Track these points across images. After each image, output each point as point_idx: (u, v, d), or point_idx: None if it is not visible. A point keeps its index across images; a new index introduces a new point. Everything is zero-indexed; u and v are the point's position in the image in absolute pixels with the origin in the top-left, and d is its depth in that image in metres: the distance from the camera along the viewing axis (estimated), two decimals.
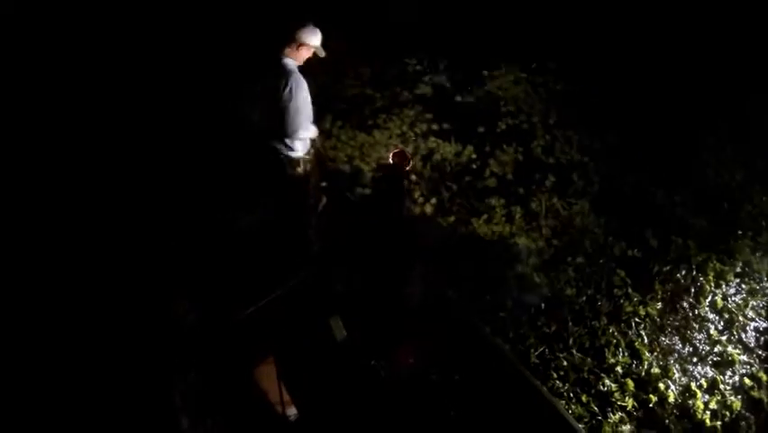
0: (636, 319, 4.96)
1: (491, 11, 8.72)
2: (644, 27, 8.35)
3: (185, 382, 3.97)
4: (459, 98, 7.28)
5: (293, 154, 4.39)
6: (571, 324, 4.91)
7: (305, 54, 4.20)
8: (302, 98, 4.13)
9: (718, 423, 4.43)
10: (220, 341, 4.19)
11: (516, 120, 7.00)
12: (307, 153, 4.52)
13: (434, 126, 6.69)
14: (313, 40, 4.14)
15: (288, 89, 4.05)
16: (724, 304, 5.12)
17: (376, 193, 3.47)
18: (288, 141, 4.29)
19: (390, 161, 4.15)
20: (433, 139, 6.50)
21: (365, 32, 7.97)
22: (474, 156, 6.39)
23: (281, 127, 4.19)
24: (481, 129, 6.77)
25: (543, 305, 5.02)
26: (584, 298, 5.08)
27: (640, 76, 7.64)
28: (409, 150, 6.19)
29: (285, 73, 4.08)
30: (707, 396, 4.58)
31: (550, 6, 8.71)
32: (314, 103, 4.41)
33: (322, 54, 4.29)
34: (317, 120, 4.62)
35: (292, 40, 4.09)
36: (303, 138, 4.34)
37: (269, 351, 4.07)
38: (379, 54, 7.75)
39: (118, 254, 5.01)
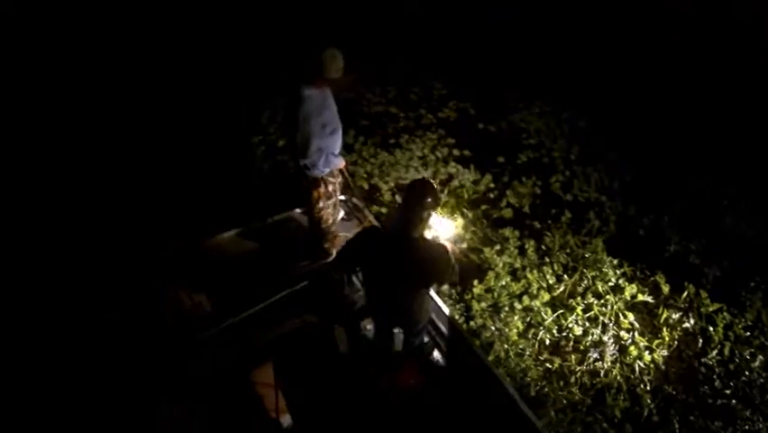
0: (641, 364, 4.90)
1: (523, 45, 8.84)
2: (676, 71, 8.40)
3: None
4: (482, 126, 7.31)
5: (311, 173, 4.42)
6: (574, 362, 4.87)
7: (326, 83, 4.17)
8: (313, 124, 4.13)
9: None
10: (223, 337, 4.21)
11: (537, 153, 7.04)
12: (330, 175, 4.54)
13: (456, 152, 6.72)
14: (331, 71, 4.06)
15: (299, 115, 4.08)
16: (731, 357, 5.04)
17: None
18: (307, 163, 4.32)
19: None
20: (453, 164, 6.52)
21: (393, 51, 8.09)
22: (492, 185, 6.41)
23: (296, 150, 4.23)
24: (501, 159, 6.80)
25: (548, 341, 4.99)
26: (590, 338, 5.03)
27: (668, 120, 7.65)
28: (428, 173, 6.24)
29: (298, 100, 4.10)
30: None
31: (580, 46, 8.81)
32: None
33: (345, 84, 4.24)
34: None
35: (314, 72, 4.07)
36: (318, 160, 4.33)
37: (269, 355, 4.06)
38: (405, 74, 7.84)
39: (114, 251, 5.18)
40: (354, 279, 4.52)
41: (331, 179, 4.56)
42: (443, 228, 5.52)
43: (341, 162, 4.60)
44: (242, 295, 4.50)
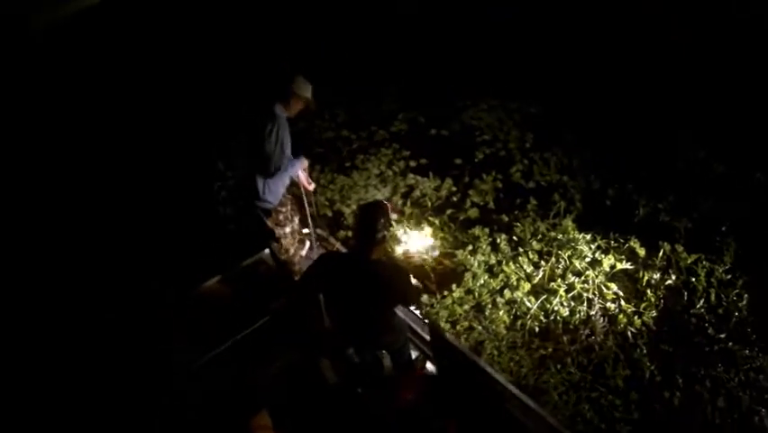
0: (632, 330, 4.90)
1: (458, 45, 8.94)
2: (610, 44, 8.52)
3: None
4: (434, 132, 7.36)
5: (266, 204, 4.47)
6: (567, 343, 4.85)
7: (296, 106, 4.32)
8: (285, 141, 4.23)
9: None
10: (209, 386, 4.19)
11: (493, 148, 7.08)
12: (281, 204, 4.58)
13: (412, 163, 6.75)
14: (305, 91, 4.25)
15: (273, 131, 4.15)
16: (719, 302, 5.05)
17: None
18: (262, 189, 4.36)
19: None
20: (411, 176, 6.55)
21: (338, 73, 8.17)
22: (454, 188, 6.44)
23: (264, 168, 4.25)
24: (459, 161, 6.83)
25: (537, 328, 4.97)
26: (578, 316, 5.02)
27: (608, 89, 7.74)
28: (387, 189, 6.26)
29: (272, 119, 4.18)
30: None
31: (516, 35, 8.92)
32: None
33: (313, 107, 4.40)
34: None
35: (285, 92, 4.20)
36: (278, 178, 4.40)
37: (263, 400, 4.02)
38: (352, 95, 7.90)
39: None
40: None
41: (281, 208, 4.61)
42: (414, 241, 5.53)
43: (303, 164, 4.69)
44: (224, 344, 4.50)
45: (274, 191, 4.46)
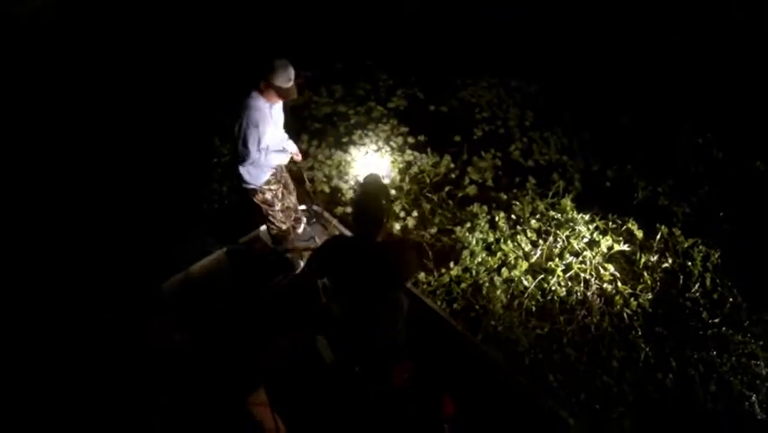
0: (628, 312, 4.92)
1: (460, 23, 8.85)
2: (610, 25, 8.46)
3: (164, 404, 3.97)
4: (433, 108, 7.29)
5: (248, 186, 4.43)
6: (563, 323, 4.87)
7: (274, 95, 4.12)
8: (250, 133, 4.10)
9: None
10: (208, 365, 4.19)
11: (492, 126, 7.02)
12: (267, 183, 4.53)
13: (410, 139, 6.68)
14: (280, 80, 4.01)
15: (238, 122, 4.08)
16: (714, 287, 5.07)
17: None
18: (242, 172, 4.34)
19: None
20: (409, 152, 6.48)
21: (337, 48, 8.08)
22: (452, 165, 6.40)
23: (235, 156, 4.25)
24: (458, 138, 6.78)
25: (534, 307, 4.97)
26: (575, 297, 5.03)
27: (611, 71, 7.70)
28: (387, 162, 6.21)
29: (242, 108, 4.08)
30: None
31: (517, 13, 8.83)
32: (286, 125, 4.55)
33: (294, 95, 4.17)
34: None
35: (260, 80, 4.07)
36: (255, 166, 4.35)
37: (259, 378, 4.02)
38: (350, 70, 7.81)
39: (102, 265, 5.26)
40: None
41: (267, 188, 4.57)
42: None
43: (285, 158, 4.62)
44: (221, 323, 4.47)
45: (255, 175, 4.40)
